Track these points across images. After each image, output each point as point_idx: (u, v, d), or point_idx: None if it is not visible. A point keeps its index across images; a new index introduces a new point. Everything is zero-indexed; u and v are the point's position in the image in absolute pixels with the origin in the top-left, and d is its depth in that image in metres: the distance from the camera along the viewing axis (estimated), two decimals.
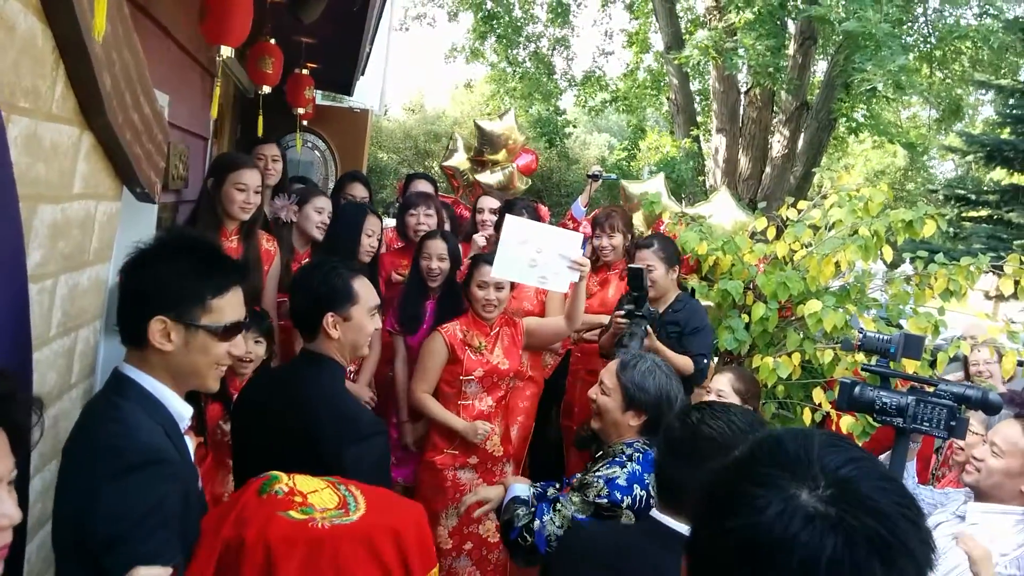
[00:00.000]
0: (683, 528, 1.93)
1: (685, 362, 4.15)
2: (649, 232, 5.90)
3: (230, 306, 1.97)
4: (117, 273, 2.08)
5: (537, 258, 3.88)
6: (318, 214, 4.52)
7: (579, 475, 2.92)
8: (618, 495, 2.69)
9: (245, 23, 3.71)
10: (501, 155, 6.76)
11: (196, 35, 3.82)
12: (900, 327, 4.79)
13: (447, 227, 5.16)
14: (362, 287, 2.70)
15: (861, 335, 3.10)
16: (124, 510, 1.67)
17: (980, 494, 2.92)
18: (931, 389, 2.95)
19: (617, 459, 2.84)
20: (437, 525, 4.02)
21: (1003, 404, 2.88)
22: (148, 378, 1.91)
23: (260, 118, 5.06)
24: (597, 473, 2.77)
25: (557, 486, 3.04)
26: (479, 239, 5.00)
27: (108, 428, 1.79)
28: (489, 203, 5.17)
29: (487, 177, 6.73)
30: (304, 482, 1.89)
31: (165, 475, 1.77)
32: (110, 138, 2.33)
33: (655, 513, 2.08)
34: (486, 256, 4.10)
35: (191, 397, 2.06)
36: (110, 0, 1.96)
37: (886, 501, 0.94)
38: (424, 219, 4.79)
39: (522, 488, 2.93)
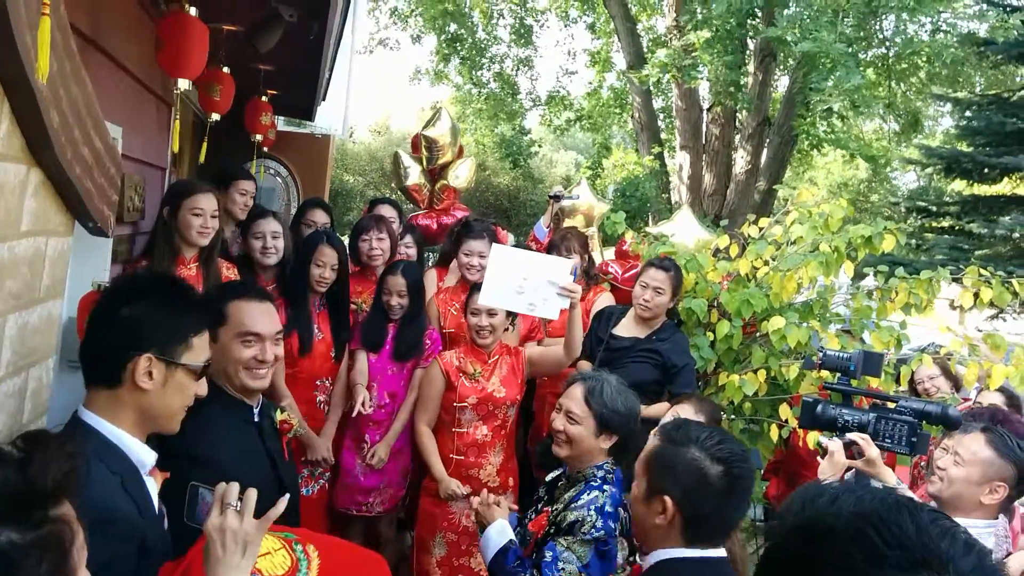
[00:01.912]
0: None
1: (661, 409, 4.12)
2: (612, 249, 5.94)
3: (205, 346, 1.97)
4: (77, 309, 2.05)
5: (525, 285, 3.86)
6: (257, 240, 4.43)
7: (552, 509, 2.87)
8: (611, 523, 2.70)
9: (201, 55, 3.70)
10: (450, 155, 6.76)
11: (149, 65, 3.80)
12: (863, 341, 4.84)
13: (409, 242, 5.16)
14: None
15: (821, 353, 3.13)
16: None
17: (942, 505, 2.96)
18: (892, 405, 2.99)
19: (592, 483, 2.84)
20: (427, 553, 4.01)
21: (961, 418, 2.97)
22: (108, 425, 1.87)
23: (204, 145, 5.00)
24: (579, 504, 2.74)
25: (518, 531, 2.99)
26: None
27: None
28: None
29: (456, 180, 6.72)
30: (268, 541, 1.85)
31: (115, 535, 1.72)
32: (59, 174, 2.29)
33: None
34: (478, 285, 4.09)
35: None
36: (55, 38, 1.94)
37: None
38: (376, 243, 4.75)
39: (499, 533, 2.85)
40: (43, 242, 2.39)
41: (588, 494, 2.77)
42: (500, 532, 2.82)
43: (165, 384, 1.89)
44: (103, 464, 1.81)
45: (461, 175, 6.77)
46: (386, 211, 5.25)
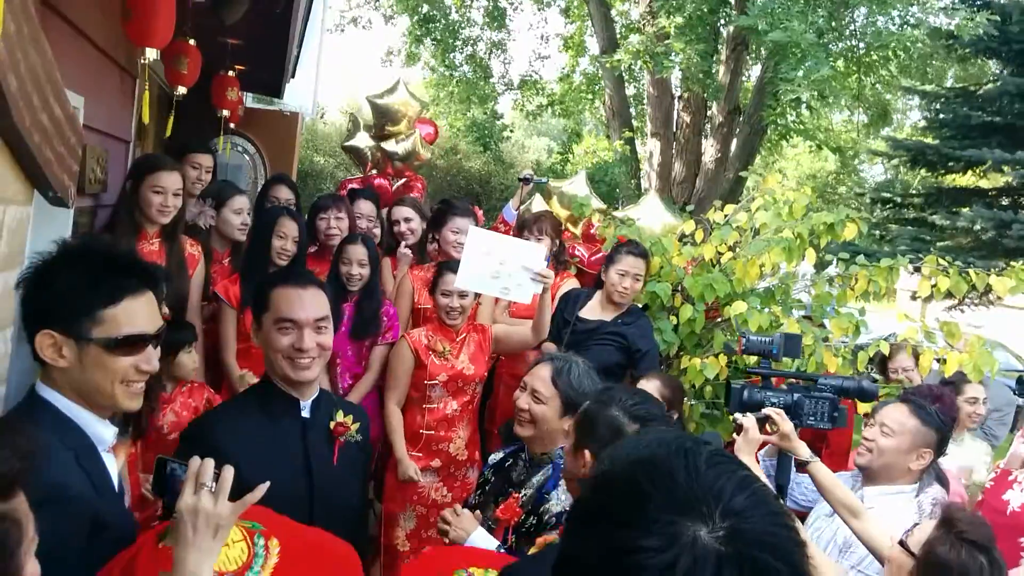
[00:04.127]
0: None
1: None
2: (579, 232, 5.96)
3: (127, 316, 1.81)
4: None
5: (500, 270, 3.93)
6: (237, 215, 4.46)
7: (520, 495, 2.83)
8: None
9: (169, 24, 3.64)
10: (402, 126, 6.75)
11: (113, 35, 3.74)
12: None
13: (371, 222, 5.14)
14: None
15: (744, 339, 3.21)
16: None
17: (871, 476, 3.14)
18: (808, 384, 3.17)
19: (557, 463, 2.84)
20: (396, 527, 4.05)
21: (877, 391, 3.20)
22: (63, 399, 1.80)
23: (170, 120, 4.93)
24: (559, 493, 2.73)
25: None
26: (404, 252, 4.94)
27: None
28: (404, 212, 5.05)
29: (391, 146, 6.69)
30: (233, 533, 1.75)
31: (64, 512, 1.65)
32: (17, 141, 2.26)
33: None
34: (450, 264, 4.13)
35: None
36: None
37: (782, 534, 0.96)
38: (335, 223, 4.74)
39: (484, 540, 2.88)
40: (1, 210, 2.37)
41: (556, 478, 2.78)
42: (485, 539, 2.83)
43: (81, 362, 1.78)
44: (57, 439, 1.74)
45: (400, 144, 6.74)
46: (283, 192, 5.11)
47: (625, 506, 0.98)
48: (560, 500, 2.73)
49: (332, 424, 2.48)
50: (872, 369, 4.96)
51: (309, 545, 1.89)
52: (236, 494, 1.70)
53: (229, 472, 1.69)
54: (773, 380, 3.21)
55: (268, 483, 1.76)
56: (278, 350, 2.41)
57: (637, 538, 0.94)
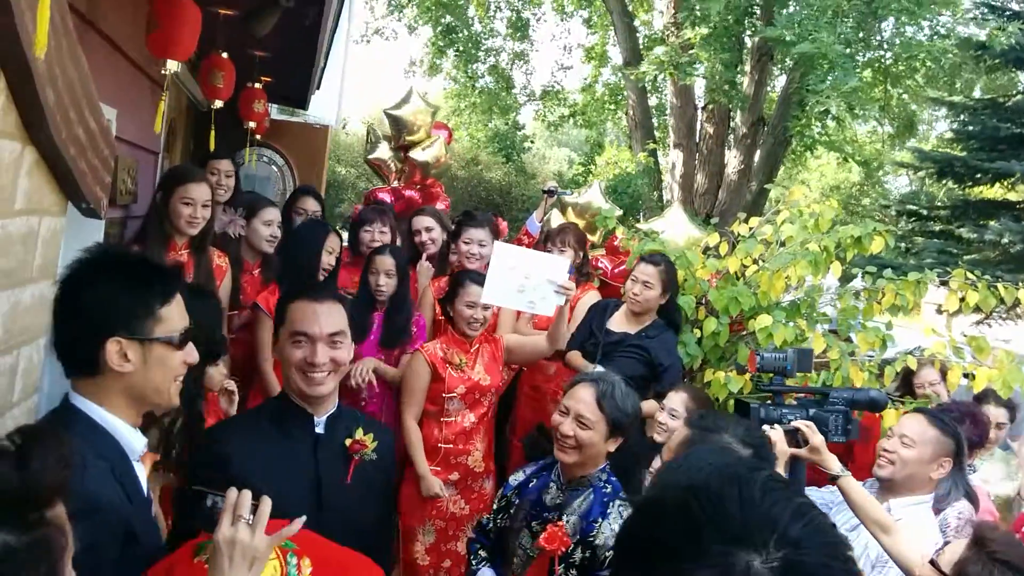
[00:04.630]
0: None
1: (651, 406, 4.12)
2: (601, 244, 5.95)
3: (178, 313, 1.88)
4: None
5: (525, 284, 3.95)
6: (266, 227, 4.50)
7: (564, 521, 2.78)
8: None
9: (192, 37, 3.68)
10: (420, 135, 6.79)
11: (145, 48, 3.79)
12: (850, 341, 4.88)
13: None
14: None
15: (759, 357, 3.21)
16: None
17: (892, 487, 3.16)
18: (817, 397, 3.22)
19: (601, 489, 2.82)
20: (415, 541, 4.02)
21: (887, 401, 3.30)
22: (99, 409, 1.81)
23: (212, 132, 5.00)
24: (601, 526, 2.72)
25: None
26: (426, 265, 4.95)
27: None
28: (424, 222, 5.06)
29: (420, 155, 6.73)
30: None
31: (99, 523, 1.66)
32: (54, 153, 2.30)
33: None
34: (470, 274, 4.15)
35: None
36: (53, 14, 1.94)
37: (837, 567, 0.94)
38: (379, 236, 4.79)
39: None
40: (36, 221, 2.40)
41: (612, 505, 2.77)
42: None
43: (145, 363, 1.82)
44: (92, 450, 1.75)
45: (427, 151, 6.78)
46: (310, 204, 5.19)
47: (678, 536, 0.97)
48: (614, 531, 2.69)
49: (348, 442, 2.43)
50: (897, 384, 4.92)
51: (339, 564, 1.89)
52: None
53: (267, 505, 1.70)
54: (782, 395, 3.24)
55: (304, 517, 1.78)
56: (292, 363, 2.41)
57: (691, 570, 0.93)
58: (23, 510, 1.18)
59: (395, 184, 6.84)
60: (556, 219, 6.04)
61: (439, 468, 4.02)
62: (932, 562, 2.34)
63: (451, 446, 4.02)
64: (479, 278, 4.04)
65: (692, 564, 0.93)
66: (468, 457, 4.05)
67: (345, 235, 5.08)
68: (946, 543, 2.42)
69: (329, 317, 2.43)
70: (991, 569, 2.12)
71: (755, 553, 0.92)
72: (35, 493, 1.20)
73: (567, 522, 2.76)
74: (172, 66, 3.63)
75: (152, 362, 1.83)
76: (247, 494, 1.71)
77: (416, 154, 6.72)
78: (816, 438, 2.91)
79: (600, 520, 2.74)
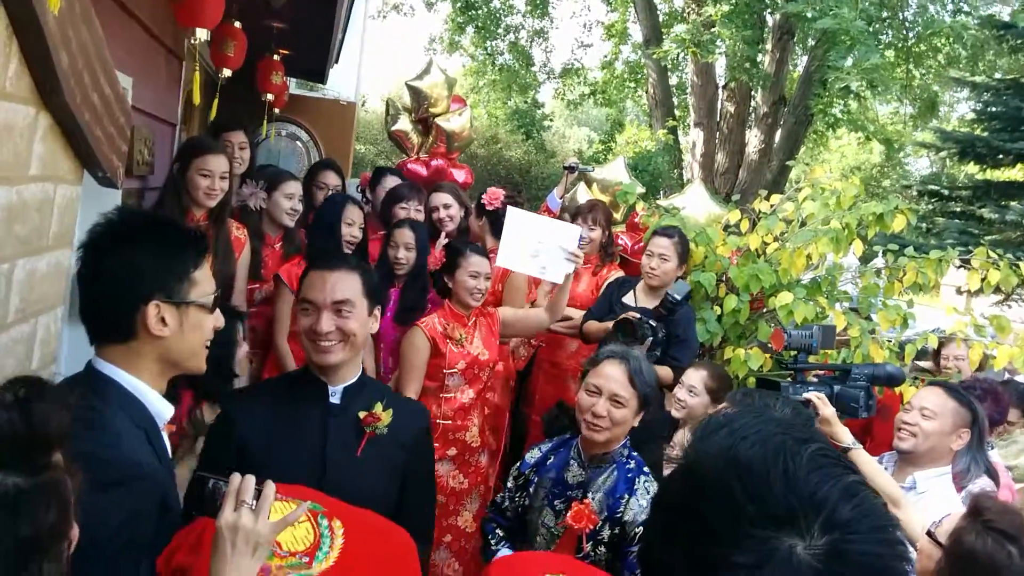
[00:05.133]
0: None
1: (667, 373, 4.13)
2: (622, 222, 5.91)
3: (207, 276, 1.88)
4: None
5: (539, 248, 4.00)
6: (288, 200, 4.47)
7: (591, 499, 2.77)
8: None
9: (219, 4, 3.65)
10: (441, 107, 6.82)
11: (161, 16, 3.76)
12: (871, 319, 4.84)
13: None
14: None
15: (786, 335, 3.19)
16: (95, 525, 1.53)
17: (913, 459, 3.19)
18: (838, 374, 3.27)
19: (625, 464, 2.84)
20: None
21: (904, 375, 3.39)
22: (127, 376, 1.79)
23: (215, 102, 4.94)
24: (630, 503, 2.73)
25: None
26: (444, 242, 4.90)
27: (91, 434, 1.64)
28: (442, 199, 4.99)
29: (447, 123, 6.78)
30: (282, 509, 1.74)
31: (142, 491, 1.67)
32: (68, 119, 2.28)
33: None
34: (471, 245, 4.12)
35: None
36: None
37: (887, 553, 0.88)
38: (415, 213, 4.74)
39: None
40: (52, 188, 2.39)
41: (639, 481, 2.78)
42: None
43: (181, 326, 1.81)
44: (128, 417, 1.75)
45: (453, 120, 6.82)
46: (331, 179, 5.17)
47: (717, 516, 0.90)
48: (643, 507, 2.69)
49: (363, 414, 2.40)
50: (929, 361, 4.94)
51: (370, 527, 1.90)
52: (250, 466, 1.70)
53: (270, 489, 1.68)
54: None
55: (308, 503, 1.77)
56: (302, 331, 2.41)
57: (729, 554, 0.87)
58: (31, 454, 1.19)
59: (416, 156, 6.87)
60: (583, 195, 6.01)
61: (438, 444, 3.93)
62: (929, 533, 2.33)
63: (450, 422, 3.96)
64: (479, 249, 4.04)
65: (731, 549, 0.87)
66: (466, 433, 4.01)
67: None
68: (945, 516, 2.40)
69: (338, 285, 2.40)
70: (985, 539, 2.09)
71: (798, 537, 0.86)
72: (41, 438, 1.21)
73: (593, 499, 2.76)
74: (201, 34, 3.61)
75: (188, 326, 1.82)
76: (250, 479, 1.68)
77: (443, 122, 6.76)
78: (827, 410, 2.94)
79: (627, 496, 2.74)
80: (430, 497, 2.71)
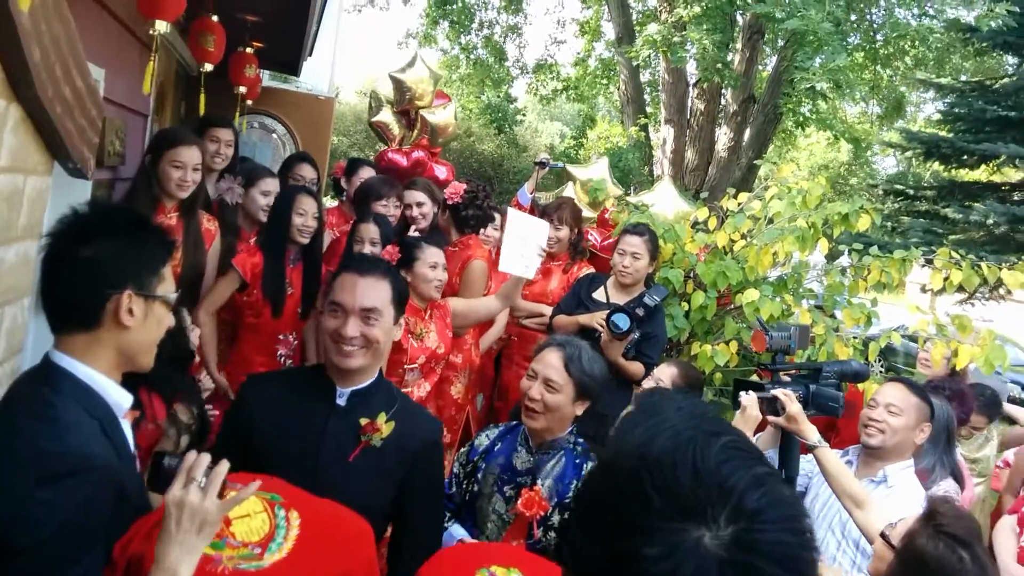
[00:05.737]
0: None
1: (637, 368, 4.18)
2: (594, 217, 5.96)
3: (171, 277, 1.89)
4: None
5: (524, 248, 3.96)
6: (263, 197, 4.46)
7: (540, 486, 2.78)
8: None
9: None
10: (425, 100, 6.83)
11: (133, 7, 3.74)
12: (835, 317, 4.92)
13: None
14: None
15: (768, 337, 3.22)
16: (42, 520, 1.56)
17: (880, 454, 3.25)
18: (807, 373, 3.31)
19: (572, 452, 2.84)
20: None
21: (868, 372, 3.46)
22: (83, 367, 1.78)
23: (202, 96, 4.95)
24: (571, 484, 2.75)
25: None
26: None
27: (39, 428, 1.65)
28: (416, 196, 4.90)
29: (433, 116, 6.78)
30: (244, 502, 1.74)
31: (93, 482, 1.64)
32: (39, 111, 2.28)
33: None
34: (424, 237, 4.17)
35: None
36: None
37: (793, 542, 0.89)
38: (394, 211, 4.69)
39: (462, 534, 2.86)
40: (21, 180, 2.39)
41: (586, 467, 2.80)
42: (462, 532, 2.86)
43: (145, 320, 1.81)
44: (83, 409, 1.74)
45: (439, 114, 6.82)
46: (306, 172, 5.13)
47: (628, 509, 0.92)
48: None
49: (364, 422, 2.38)
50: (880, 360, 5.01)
51: (327, 517, 1.90)
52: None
53: (223, 466, 1.67)
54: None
55: (258, 482, 1.75)
56: (326, 332, 2.40)
57: (640, 545, 0.88)
58: None
59: (398, 147, 6.87)
60: (570, 194, 6.06)
61: None
62: (883, 534, 2.37)
63: None
64: (432, 239, 4.05)
65: (641, 540, 0.89)
66: None
67: (332, 203, 5.05)
68: (900, 520, 2.43)
69: (368, 291, 2.40)
70: (937, 543, 2.11)
71: (704, 527, 0.87)
72: None
73: (542, 486, 2.78)
74: (160, 27, 3.59)
75: (151, 319, 1.83)
76: (205, 457, 1.68)
77: (428, 115, 6.76)
78: (793, 407, 2.94)
79: (575, 481, 2.77)
80: (436, 513, 2.66)
